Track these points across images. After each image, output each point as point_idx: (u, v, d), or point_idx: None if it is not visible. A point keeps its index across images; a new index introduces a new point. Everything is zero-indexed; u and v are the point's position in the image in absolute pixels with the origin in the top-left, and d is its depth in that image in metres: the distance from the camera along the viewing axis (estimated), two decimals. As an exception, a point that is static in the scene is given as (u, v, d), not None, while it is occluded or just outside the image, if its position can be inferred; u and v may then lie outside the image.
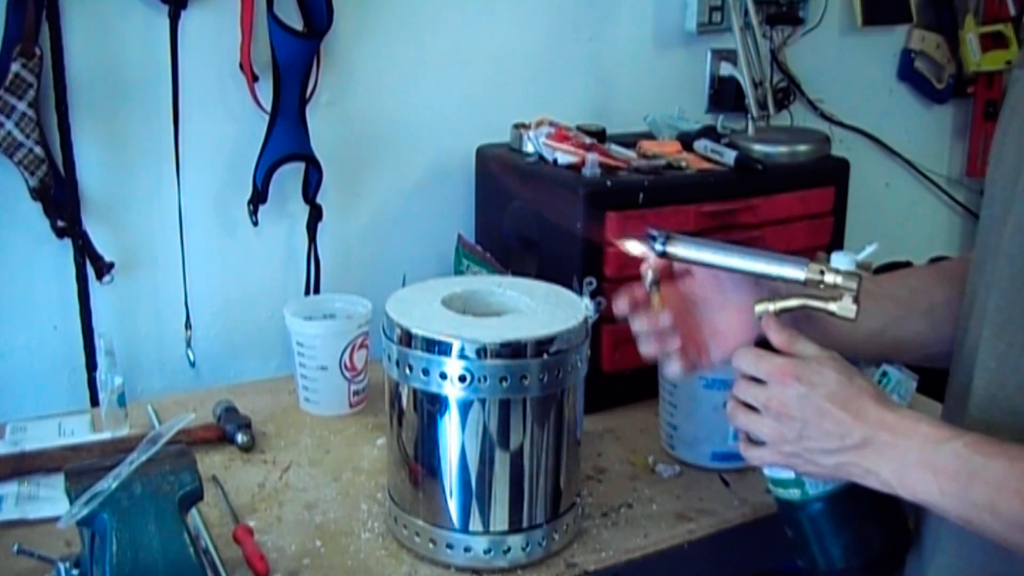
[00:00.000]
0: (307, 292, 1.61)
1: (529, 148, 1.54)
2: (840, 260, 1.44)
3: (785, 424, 0.88)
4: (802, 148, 1.59)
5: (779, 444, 0.89)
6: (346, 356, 1.40)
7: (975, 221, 2.39)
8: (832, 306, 0.91)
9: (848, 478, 0.88)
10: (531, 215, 1.49)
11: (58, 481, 0.98)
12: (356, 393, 1.44)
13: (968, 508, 0.81)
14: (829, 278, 0.90)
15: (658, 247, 0.94)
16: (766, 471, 0.96)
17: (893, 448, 0.84)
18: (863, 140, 2.16)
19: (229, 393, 1.45)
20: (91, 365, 1.48)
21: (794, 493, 0.94)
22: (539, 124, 1.55)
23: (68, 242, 1.44)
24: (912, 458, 0.83)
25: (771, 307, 0.92)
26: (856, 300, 0.90)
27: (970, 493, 0.80)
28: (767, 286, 0.95)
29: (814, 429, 0.87)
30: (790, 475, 0.93)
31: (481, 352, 1.01)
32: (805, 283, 0.90)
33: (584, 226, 1.38)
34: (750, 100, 1.65)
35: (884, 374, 1.46)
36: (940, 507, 0.83)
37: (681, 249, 0.94)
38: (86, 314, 1.47)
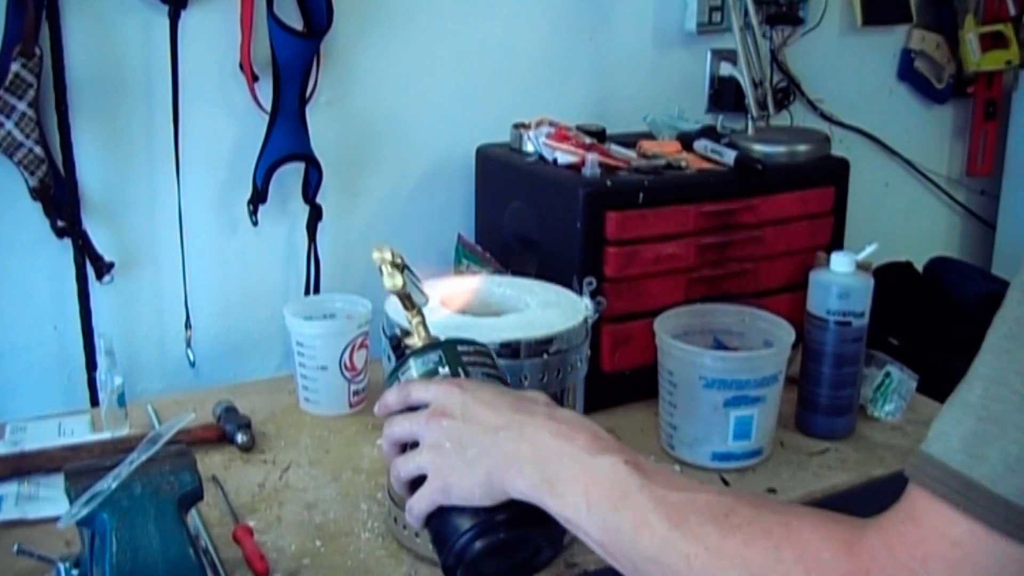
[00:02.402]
0: (307, 292, 1.61)
1: (529, 148, 1.54)
2: (840, 260, 1.44)
3: (444, 430, 0.80)
4: (802, 148, 1.59)
5: (437, 460, 0.80)
6: (346, 356, 1.40)
7: (975, 221, 2.41)
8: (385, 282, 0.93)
9: (501, 489, 0.77)
10: (531, 215, 1.49)
11: (58, 481, 0.98)
12: (356, 393, 1.44)
13: (610, 532, 0.72)
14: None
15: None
16: None
17: (548, 447, 0.76)
18: (863, 140, 2.16)
19: (229, 393, 1.45)
20: (91, 365, 1.48)
21: None
22: (539, 124, 1.55)
23: (68, 242, 1.44)
24: (566, 464, 0.74)
25: (410, 371, 0.88)
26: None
27: (616, 516, 0.71)
28: None
29: (475, 424, 0.79)
30: None
31: (481, 352, 1.01)
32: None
33: (584, 226, 1.38)
34: (750, 100, 1.65)
35: (887, 375, 1.46)
36: (581, 528, 0.74)
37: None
38: (86, 314, 1.47)
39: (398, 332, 0.96)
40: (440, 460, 0.79)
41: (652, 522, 0.69)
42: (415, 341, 0.91)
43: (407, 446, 0.84)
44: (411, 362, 0.87)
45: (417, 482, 0.81)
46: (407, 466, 0.82)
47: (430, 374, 0.86)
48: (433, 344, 0.89)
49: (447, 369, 0.86)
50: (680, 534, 0.68)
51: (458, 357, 0.87)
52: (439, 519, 0.80)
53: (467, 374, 0.86)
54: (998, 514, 0.56)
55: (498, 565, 0.80)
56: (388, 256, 0.91)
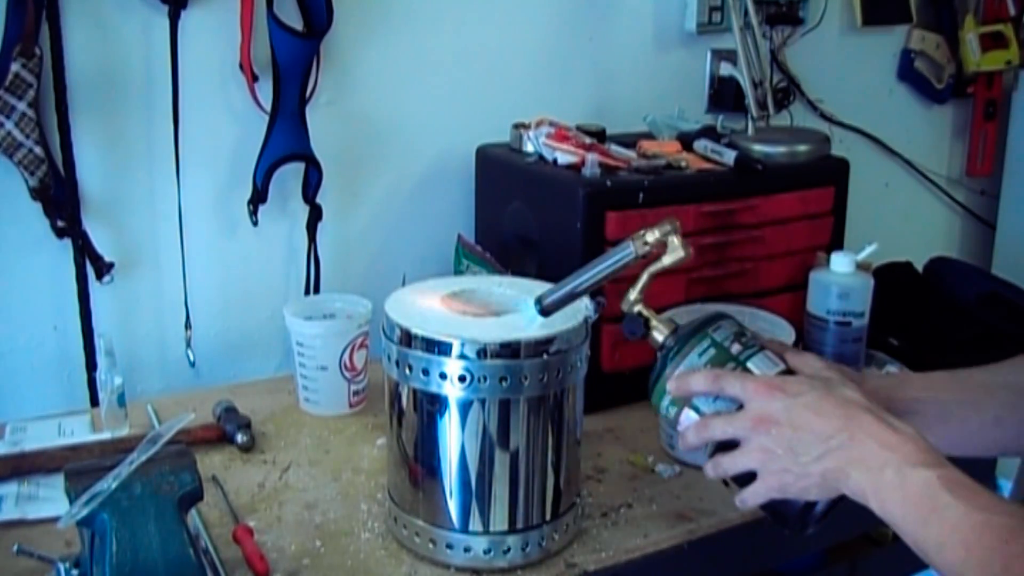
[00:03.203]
0: (307, 292, 1.61)
1: (529, 148, 1.54)
2: (840, 260, 1.44)
3: (773, 437, 0.87)
4: (802, 148, 1.59)
5: (769, 464, 0.88)
6: (346, 356, 1.40)
7: (975, 221, 2.41)
8: (665, 259, 0.98)
9: (835, 487, 0.86)
10: (531, 215, 1.49)
11: (58, 481, 0.98)
12: (356, 393, 1.44)
13: (922, 541, 0.80)
14: (649, 237, 0.97)
15: (537, 308, 1.03)
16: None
17: (876, 456, 0.83)
18: (863, 140, 2.16)
19: (229, 393, 1.45)
20: (91, 365, 1.48)
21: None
22: (539, 124, 1.55)
23: (68, 242, 1.44)
24: (888, 473, 0.82)
25: (631, 297, 1.00)
26: (678, 238, 0.97)
27: (926, 527, 0.79)
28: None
29: (805, 432, 0.86)
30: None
31: (481, 352, 1.01)
32: (639, 256, 0.98)
33: (584, 226, 1.38)
34: (750, 100, 1.65)
35: (887, 375, 1.46)
36: (900, 529, 0.82)
37: (553, 300, 1.03)
38: (86, 314, 1.47)
39: (632, 315, 1.02)
40: (773, 464, 0.87)
41: (954, 541, 0.77)
42: (660, 328, 1.00)
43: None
44: (669, 369, 0.96)
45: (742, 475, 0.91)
46: (734, 465, 0.90)
47: (740, 336, 0.95)
48: (691, 338, 0.96)
49: (729, 367, 0.94)
50: (973, 557, 0.76)
51: (727, 351, 0.95)
52: (778, 505, 0.91)
53: (742, 364, 0.93)
54: None
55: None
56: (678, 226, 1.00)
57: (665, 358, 0.98)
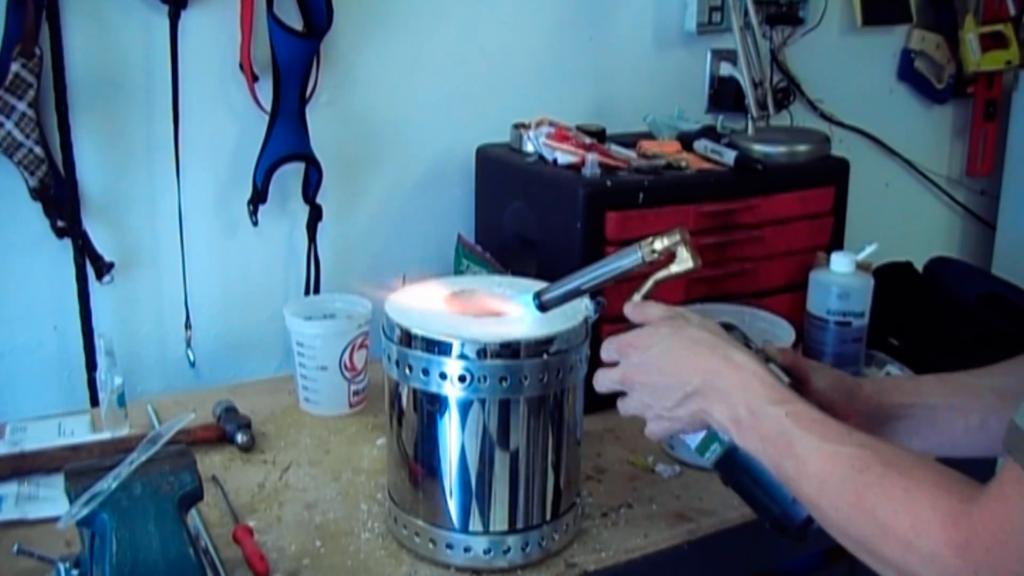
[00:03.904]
0: (307, 292, 1.61)
1: (529, 148, 1.54)
2: (840, 260, 1.44)
3: (641, 391, 0.95)
4: (802, 148, 1.59)
5: (647, 412, 0.96)
6: (346, 356, 1.40)
7: (975, 221, 2.41)
8: (673, 268, 1.00)
9: (704, 424, 0.93)
10: (531, 215, 1.49)
11: (58, 481, 0.98)
12: (356, 393, 1.44)
13: (781, 475, 0.85)
14: (658, 245, 0.99)
15: (535, 303, 1.05)
16: (690, 444, 0.98)
17: (728, 396, 0.89)
18: (863, 140, 2.16)
19: (229, 393, 1.45)
20: (91, 365, 1.48)
21: (716, 449, 0.96)
22: (539, 124, 1.55)
23: (68, 242, 1.44)
24: (742, 412, 0.88)
25: (635, 298, 1.02)
26: (687, 249, 0.99)
27: (783, 460, 0.84)
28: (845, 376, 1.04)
29: (660, 386, 0.93)
30: (698, 437, 0.97)
31: (481, 352, 1.01)
32: (646, 263, 0.99)
33: (584, 226, 1.38)
34: (750, 100, 1.65)
35: (887, 375, 1.46)
36: (764, 462, 0.87)
37: (550, 294, 1.04)
38: (86, 314, 1.47)
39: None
40: (648, 411, 0.96)
41: (808, 473, 0.82)
42: None
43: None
44: None
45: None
46: (623, 409, 0.99)
47: None
48: None
49: None
50: (828, 489, 0.81)
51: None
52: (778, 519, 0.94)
53: None
54: None
55: None
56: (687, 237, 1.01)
57: None
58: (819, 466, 0.81)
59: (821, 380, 1.02)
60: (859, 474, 0.79)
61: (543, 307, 1.04)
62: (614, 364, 0.99)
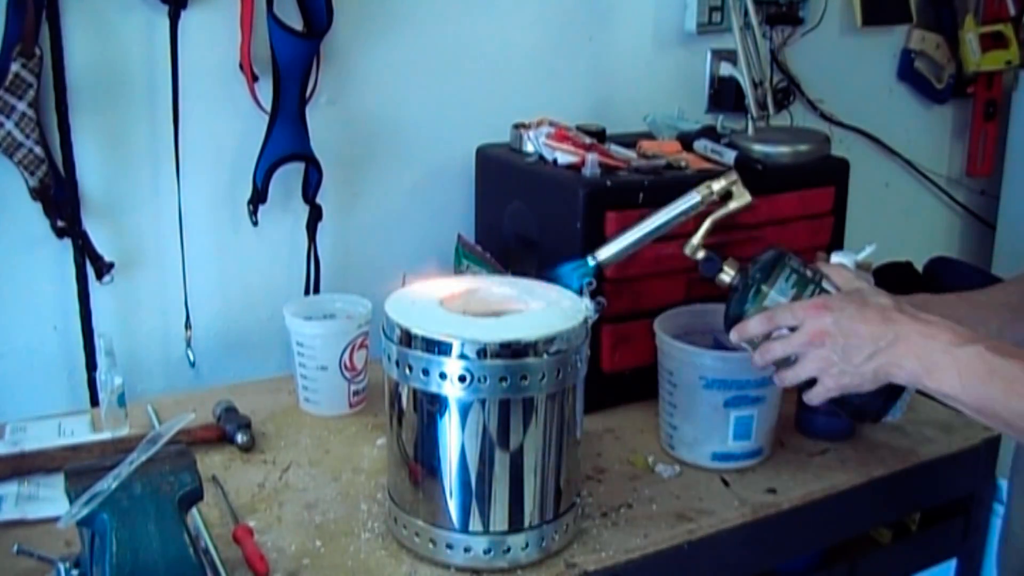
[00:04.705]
0: (307, 292, 1.61)
1: (529, 148, 1.54)
2: (840, 260, 1.44)
3: (828, 347, 1.03)
4: (802, 148, 1.58)
5: (828, 369, 1.04)
6: (346, 356, 1.40)
7: (975, 221, 2.41)
8: (731, 204, 1.13)
9: (886, 379, 1.02)
10: (531, 215, 1.49)
11: (58, 481, 0.98)
12: (356, 393, 1.44)
13: (983, 400, 0.96)
14: (715, 186, 1.09)
15: (592, 264, 1.14)
16: None
17: (921, 346, 0.99)
18: (863, 140, 2.16)
19: (229, 393, 1.45)
20: (91, 365, 1.48)
21: None
22: (539, 124, 1.55)
23: (68, 242, 1.44)
24: (937, 356, 0.98)
25: (694, 242, 1.13)
26: (742, 186, 1.12)
27: (987, 387, 0.95)
28: None
29: (854, 338, 1.02)
30: None
31: (481, 352, 1.01)
32: (705, 203, 1.09)
33: (584, 226, 1.38)
34: (750, 100, 1.65)
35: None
36: (959, 398, 0.97)
37: (607, 252, 1.14)
38: (86, 314, 1.47)
39: (708, 256, 1.16)
40: (831, 369, 1.04)
41: (1016, 390, 0.94)
42: (727, 269, 1.15)
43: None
44: (767, 290, 1.11)
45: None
46: (797, 376, 1.07)
47: (797, 296, 1.10)
48: (774, 266, 1.11)
49: (809, 289, 1.10)
50: None
51: (804, 275, 1.11)
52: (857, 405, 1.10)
53: (819, 284, 1.11)
54: None
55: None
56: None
57: (746, 292, 1.12)
58: None
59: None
60: None
61: (601, 267, 1.12)
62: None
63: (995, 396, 0.95)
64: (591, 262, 1.07)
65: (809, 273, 1.12)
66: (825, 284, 1.12)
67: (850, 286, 1.10)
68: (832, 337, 1.03)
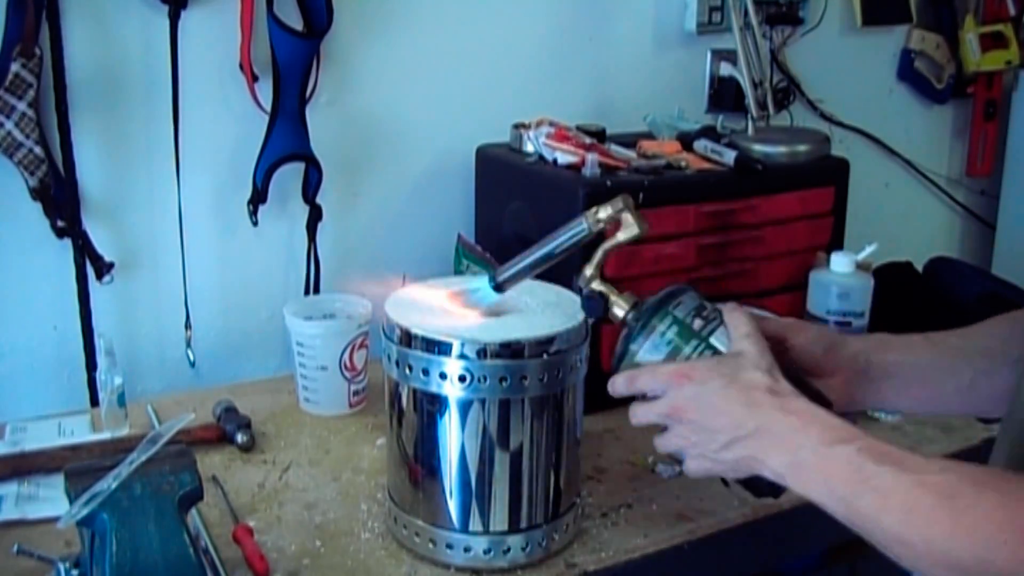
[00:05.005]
0: (307, 292, 1.61)
1: (529, 148, 1.54)
2: (840, 260, 1.44)
3: (688, 426, 0.89)
4: (802, 148, 1.59)
5: (690, 449, 0.90)
6: (346, 356, 1.40)
7: (975, 221, 2.41)
8: (620, 235, 0.99)
9: (749, 471, 0.88)
10: (531, 215, 1.49)
11: (58, 481, 0.98)
12: (356, 393, 1.44)
13: (854, 514, 0.80)
14: (602, 213, 0.97)
15: (491, 285, 1.03)
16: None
17: (786, 442, 0.84)
18: (863, 140, 2.16)
19: (229, 393, 1.45)
20: (91, 365, 1.48)
21: None
22: (539, 124, 1.55)
23: (68, 242, 1.44)
24: (804, 455, 0.82)
25: (587, 274, 1.00)
26: (631, 215, 0.97)
27: (857, 500, 0.79)
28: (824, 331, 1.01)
29: (712, 421, 0.87)
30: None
31: (481, 352, 1.01)
32: (592, 232, 0.98)
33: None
34: (750, 100, 1.65)
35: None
36: (828, 508, 0.82)
37: (504, 273, 1.03)
38: (86, 314, 1.47)
39: (589, 294, 1.02)
40: (692, 449, 0.90)
41: (891, 506, 0.76)
42: (620, 304, 0.99)
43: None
44: (634, 348, 0.95)
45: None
46: (662, 446, 0.93)
47: (674, 353, 0.93)
48: (655, 313, 0.95)
49: (691, 345, 0.93)
50: (916, 518, 0.75)
51: (688, 328, 0.94)
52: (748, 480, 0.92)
53: (706, 340, 0.93)
54: None
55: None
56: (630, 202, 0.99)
57: (628, 338, 0.96)
58: (902, 498, 0.76)
59: (799, 336, 0.98)
60: (949, 500, 0.74)
61: (499, 288, 1.04)
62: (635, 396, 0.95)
63: (866, 511, 0.78)
64: (491, 283, 1.03)
65: (697, 324, 0.94)
66: (715, 340, 0.93)
67: (735, 347, 0.91)
68: (689, 415, 0.89)
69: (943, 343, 1.01)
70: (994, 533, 0.72)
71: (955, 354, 0.98)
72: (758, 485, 0.91)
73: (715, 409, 0.87)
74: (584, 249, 1.01)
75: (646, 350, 0.94)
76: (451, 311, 1.08)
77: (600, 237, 0.99)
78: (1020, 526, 0.71)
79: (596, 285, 1.01)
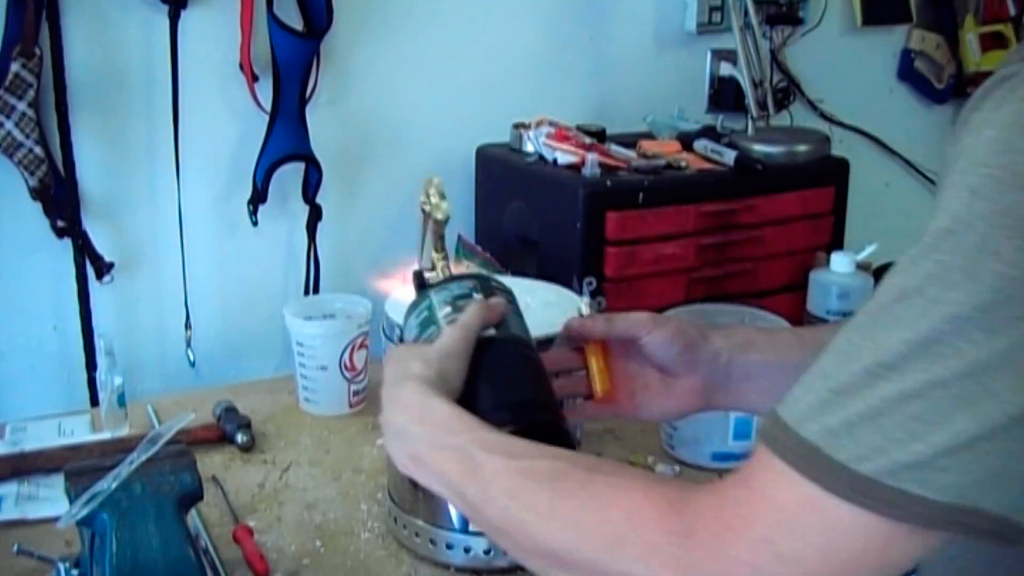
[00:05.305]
0: (307, 292, 1.61)
1: (529, 148, 1.54)
2: (840, 260, 1.44)
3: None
4: (802, 148, 1.59)
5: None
6: (346, 356, 1.40)
7: (975, 221, 2.41)
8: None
9: (407, 472, 0.81)
10: (531, 215, 1.49)
11: (58, 481, 0.98)
12: (356, 393, 1.44)
13: (466, 507, 0.75)
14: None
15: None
16: None
17: (404, 433, 0.79)
18: (863, 140, 2.16)
19: (229, 393, 1.45)
20: (91, 365, 1.48)
21: None
22: (539, 124, 1.55)
23: (68, 242, 1.44)
24: (422, 447, 0.78)
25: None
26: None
27: (466, 489, 0.74)
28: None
29: (385, 420, 0.82)
30: None
31: (481, 352, 1.00)
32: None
33: (584, 226, 1.38)
34: (750, 100, 1.66)
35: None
36: (449, 502, 0.78)
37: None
38: (86, 314, 1.47)
39: (421, 268, 0.98)
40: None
41: (493, 495, 0.72)
42: (435, 276, 0.94)
43: None
44: (431, 294, 0.89)
45: None
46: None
47: (459, 299, 0.88)
48: (457, 276, 0.91)
49: (430, 330, 0.87)
50: (517, 504, 0.70)
51: (431, 314, 0.88)
52: None
53: (440, 327, 0.86)
54: (838, 479, 0.56)
55: None
56: (437, 183, 0.96)
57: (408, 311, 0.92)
58: (506, 483, 0.71)
59: (655, 334, 0.91)
60: (554, 482, 0.70)
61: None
62: None
63: (473, 503, 0.74)
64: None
65: (445, 311, 0.87)
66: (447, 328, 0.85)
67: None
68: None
69: (812, 341, 0.91)
70: (591, 516, 0.67)
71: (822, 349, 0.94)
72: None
73: (385, 405, 0.82)
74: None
75: (409, 325, 0.90)
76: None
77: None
78: (626, 506, 0.66)
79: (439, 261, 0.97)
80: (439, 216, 0.97)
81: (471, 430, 0.77)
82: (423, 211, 0.97)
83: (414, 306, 0.90)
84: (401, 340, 0.94)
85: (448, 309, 0.88)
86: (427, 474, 0.78)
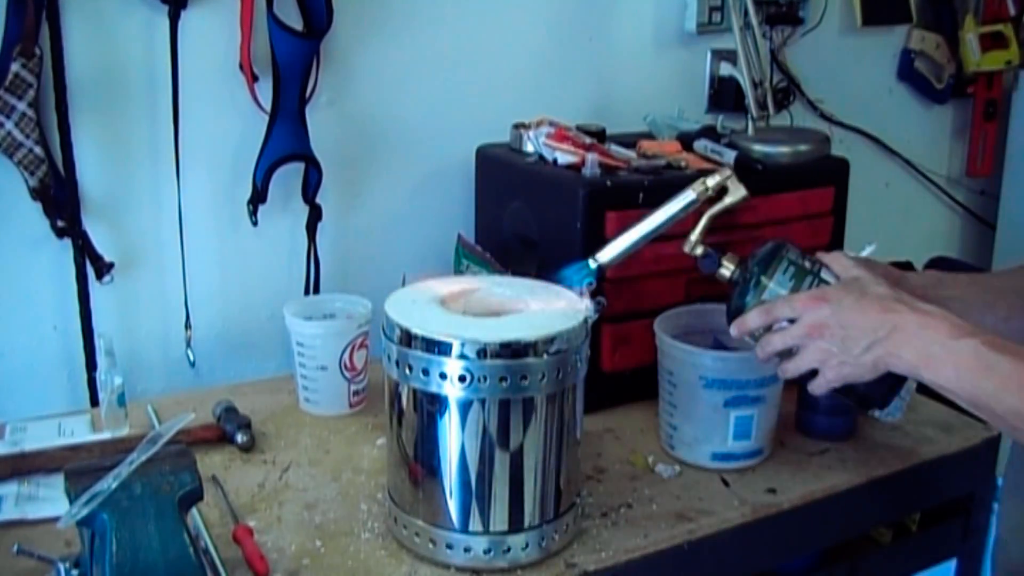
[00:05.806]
0: (307, 292, 1.61)
1: (529, 148, 1.54)
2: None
3: (826, 339, 1.04)
4: (802, 148, 1.58)
5: (828, 360, 1.05)
6: (346, 356, 1.41)
7: (975, 221, 2.41)
8: (727, 199, 1.15)
9: (885, 368, 1.02)
10: (531, 215, 1.49)
11: (58, 481, 0.98)
12: (356, 393, 1.44)
13: (978, 394, 0.96)
14: (710, 181, 1.12)
15: (594, 266, 1.16)
16: None
17: (919, 337, 1.00)
18: (863, 140, 2.16)
19: (229, 393, 1.45)
20: (91, 365, 1.48)
21: None
22: (539, 124, 1.55)
23: (68, 242, 1.44)
24: (935, 348, 0.98)
25: (692, 238, 1.15)
26: (737, 181, 1.15)
27: (981, 382, 0.96)
28: None
29: (852, 330, 1.03)
30: None
31: (481, 352, 1.01)
32: (700, 200, 1.12)
33: (584, 226, 1.38)
34: (750, 100, 1.65)
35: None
36: (953, 391, 0.98)
37: (608, 254, 1.17)
38: (86, 314, 1.47)
39: (706, 252, 1.17)
40: (831, 360, 1.05)
41: (1009, 389, 0.95)
42: (726, 264, 1.16)
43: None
44: (765, 283, 1.12)
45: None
46: (798, 367, 1.08)
47: (796, 288, 1.11)
48: (772, 259, 1.12)
49: (807, 280, 1.11)
50: None
51: (802, 267, 1.12)
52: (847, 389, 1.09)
53: (817, 275, 1.11)
54: None
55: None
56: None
57: (743, 291, 1.12)
58: (1019, 380, 0.94)
59: (870, 272, 1.11)
60: None
61: (602, 269, 1.14)
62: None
63: (989, 391, 0.96)
64: (592, 264, 1.07)
65: (808, 264, 1.12)
66: (824, 274, 1.12)
67: (849, 275, 1.10)
68: (830, 329, 1.04)
69: (984, 283, 1.21)
70: None
71: (993, 292, 1.16)
72: (871, 397, 1.10)
73: (853, 319, 1.03)
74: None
75: (774, 286, 1.11)
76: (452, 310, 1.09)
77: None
78: None
79: (700, 249, 1.16)
80: (730, 201, 1.17)
81: (981, 333, 0.98)
82: (704, 197, 1.15)
83: (762, 274, 1.12)
84: (738, 311, 1.13)
85: (808, 263, 1.12)
86: (937, 369, 0.98)
